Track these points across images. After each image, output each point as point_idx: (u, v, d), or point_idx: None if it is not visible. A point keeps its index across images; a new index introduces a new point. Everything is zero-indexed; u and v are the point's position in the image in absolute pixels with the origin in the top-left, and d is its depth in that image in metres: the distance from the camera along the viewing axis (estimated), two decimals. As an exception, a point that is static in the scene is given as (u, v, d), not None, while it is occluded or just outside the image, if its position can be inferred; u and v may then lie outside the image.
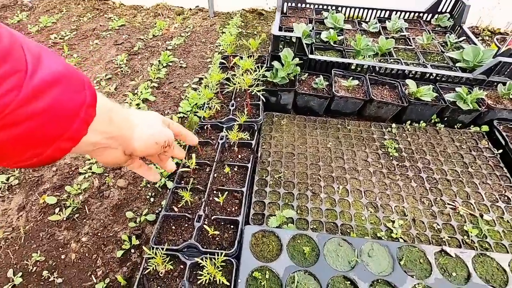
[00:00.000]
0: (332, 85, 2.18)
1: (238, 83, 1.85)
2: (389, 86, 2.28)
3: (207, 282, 1.23)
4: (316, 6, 3.24)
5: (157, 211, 1.74)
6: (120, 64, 2.91)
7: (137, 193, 1.85)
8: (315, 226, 1.57)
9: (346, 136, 2.08)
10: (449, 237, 1.56)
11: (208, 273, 1.18)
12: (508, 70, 2.19)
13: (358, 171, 1.85)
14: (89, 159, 2.03)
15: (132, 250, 1.59)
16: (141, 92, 2.53)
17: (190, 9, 4.03)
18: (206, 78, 2.65)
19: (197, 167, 1.76)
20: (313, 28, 2.85)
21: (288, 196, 1.70)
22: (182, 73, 2.82)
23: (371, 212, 1.65)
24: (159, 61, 2.94)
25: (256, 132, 1.96)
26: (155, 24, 3.64)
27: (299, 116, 2.24)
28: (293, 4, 3.26)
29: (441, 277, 1.32)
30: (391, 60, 2.52)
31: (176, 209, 1.55)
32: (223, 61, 2.50)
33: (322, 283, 1.27)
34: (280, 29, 2.79)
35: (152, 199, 1.82)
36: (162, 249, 1.29)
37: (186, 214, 1.50)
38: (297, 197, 1.70)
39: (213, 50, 3.17)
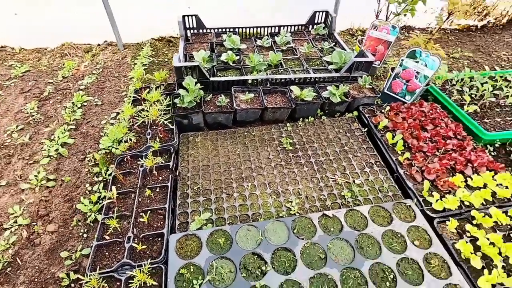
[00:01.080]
0: (233, 100, 2.58)
1: (146, 116, 2.12)
2: (280, 93, 2.77)
3: (139, 286, 1.48)
4: (216, 30, 3.65)
5: (91, 245, 1.90)
6: (31, 113, 2.91)
7: (69, 233, 1.98)
8: (231, 221, 1.92)
9: (252, 141, 2.49)
10: (332, 203, 2.05)
11: (138, 280, 1.43)
12: (363, 67, 2.85)
13: (262, 168, 2.27)
14: (13, 213, 2.08)
15: (72, 285, 1.73)
16: (58, 137, 2.61)
17: (99, 44, 4.11)
18: (123, 112, 2.83)
19: (123, 196, 1.98)
20: (214, 51, 3.25)
21: (207, 202, 2.03)
22: (99, 111, 2.96)
23: (274, 198, 2.07)
24: (72, 102, 3.02)
25: (174, 154, 2.25)
26: (63, 65, 3.66)
27: (212, 131, 2.58)
28: (195, 31, 3.61)
29: (323, 234, 1.78)
30: (281, 70, 3.03)
31: (107, 237, 1.75)
32: (135, 95, 2.73)
33: (236, 262, 1.62)
34: (185, 56, 3.12)
35: (85, 235, 1.97)
36: (95, 274, 1.49)
37: (117, 239, 1.72)
38: (215, 200, 2.03)
39: (127, 83, 3.35)
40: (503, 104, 2.92)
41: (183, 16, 3.43)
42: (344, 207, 2.03)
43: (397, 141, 2.36)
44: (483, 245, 1.75)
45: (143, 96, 2.49)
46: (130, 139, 2.23)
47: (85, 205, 2.08)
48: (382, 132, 2.50)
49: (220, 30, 3.65)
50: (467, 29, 4.71)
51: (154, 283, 1.45)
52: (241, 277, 1.56)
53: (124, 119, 2.29)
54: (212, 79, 2.70)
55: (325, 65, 3.13)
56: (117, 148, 2.50)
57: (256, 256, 1.66)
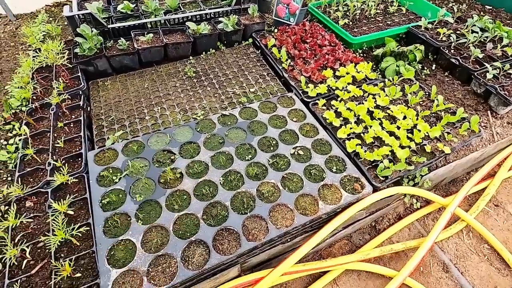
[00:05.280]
0: (134, 43, 2.75)
1: (44, 60, 2.22)
2: (180, 32, 3.00)
3: (62, 185, 1.74)
4: (111, -15, 3.63)
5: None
6: None
7: (-7, 181, 2.09)
8: (146, 137, 2.22)
9: (159, 76, 2.74)
10: (232, 108, 2.45)
11: (60, 181, 1.68)
12: (250, -2, 3.19)
13: (170, 94, 2.56)
14: None
15: (6, 215, 1.91)
16: (-42, 107, 2.55)
17: (-15, 18, 3.80)
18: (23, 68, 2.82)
19: (38, 136, 2.13)
20: (110, 3, 3.29)
21: (122, 127, 2.28)
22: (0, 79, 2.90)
23: (182, 114, 2.40)
24: (-33, 76, 2.89)
25: (83, 97, 2.40)
26: None
27: (120, 75, 2.75)
28: (89, -12, 3.56)
29: (221, 127, 2.17)
30: (180, 12, 3.23)
31: (28, 169, 1.93)
32: (35, 53, 2.73)
33: (149, 159, 1.94)
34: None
35: (9, 178, 2.09)
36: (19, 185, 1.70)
37: (38, 167, 1.92)
38: (129, 125, 2.29)
39: (27, 50, 3.26)
40: (368, 16, 3.54)
41: (71, -27, 3.35)
42: (242, 109, 2.45)
43: (282, 54, 2.81)
44: (343, 111, 2.32)
45: (43, 48, 2.53)
46: (36, 89, 2.32)
47: (3, 155, 2.18)
48: (271, 50, 2.93)
49: (115, -16, 3.64)
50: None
51: (75, 180, 1.72)
52: (155, 167, 1.90)
53: (23, 72, 2.34)
54: (110, 26, 2.81)
55: (221, 4, 3.40)
56: (27, 106, 2.57)
57: (166, 152, 2.00)
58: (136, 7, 3.22)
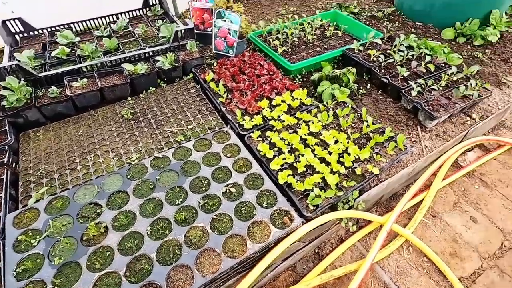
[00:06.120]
0: (67, 89, 2.71)
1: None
2: (118, 73, 3.00)
3: None
4: (49, 30, 3.60)
5: None
6: None
7: None
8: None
9: (96, 121, 2.69)
10: (168, 149, 2.44)
11: (-34, 255, 1.58)
12: (188, 34, 3.26)
13: (105, 139, 2.51)
14: None
15: None
16: None
17: None
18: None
19: (-45, 202, 2.01)
20: (46, 50, 3.25)
21: (51, 181, 2.19)
22: None
23: (117, 160, 2.35)
24: None
25: (9, 152, 2.31)
26: None
27: (55, 123, 2.68)
28: (25, 34, 3.51)
29: (153, 171, 2.15)
30: (119, 53, 3.23)
31: None
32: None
33: (73, 215, 1.87)
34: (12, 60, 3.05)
35: None
36: None
37: (-49, 237, 1.79)
38: (58, 178, 2.21)
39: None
40: (307, 41, 3.71)
41: (3, 22, 3.30)
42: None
43: (219, 88, 2.86)
44: (276, 141, 2.37)
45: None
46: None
47: None
48: (209, 84, 2.97)
49: (54, 28, 3.62)
50: (295, -11, 5.56)
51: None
52: (79, 223, 1.83)
53: None
54: (41, 74, 2.76)
55: (161, 42, 3.44)
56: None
57: (93, 205, 1.94)
58: (72, 51, 3.20)
